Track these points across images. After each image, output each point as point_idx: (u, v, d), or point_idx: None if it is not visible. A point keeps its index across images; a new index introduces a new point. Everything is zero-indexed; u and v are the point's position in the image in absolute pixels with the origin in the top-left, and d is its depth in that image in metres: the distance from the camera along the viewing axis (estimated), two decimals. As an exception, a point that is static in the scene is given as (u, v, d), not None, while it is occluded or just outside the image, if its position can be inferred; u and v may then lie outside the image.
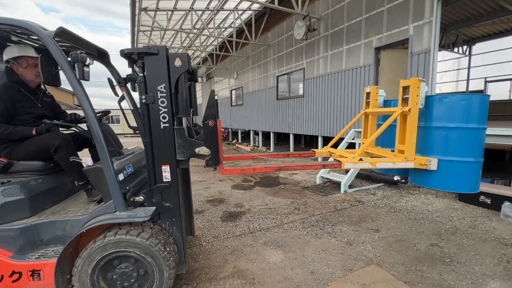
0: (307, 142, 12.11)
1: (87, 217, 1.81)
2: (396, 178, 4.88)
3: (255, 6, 9.85)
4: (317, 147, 8.11)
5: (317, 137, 8.37)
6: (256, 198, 4.49)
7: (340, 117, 7.28)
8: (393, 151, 2.94)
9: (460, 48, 12.02)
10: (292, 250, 2.75)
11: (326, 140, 8.12)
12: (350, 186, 4.91)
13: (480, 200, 3.87)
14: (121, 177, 1.84)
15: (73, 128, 2.22)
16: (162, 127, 1.82)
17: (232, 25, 11.48)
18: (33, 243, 1.82)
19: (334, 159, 2.77)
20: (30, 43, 2.21)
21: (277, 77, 10.20)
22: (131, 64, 1.91)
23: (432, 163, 2.75)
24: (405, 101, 2.84)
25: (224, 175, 6.23)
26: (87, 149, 2.44)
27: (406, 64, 5.50)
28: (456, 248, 2.74)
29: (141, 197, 1.84)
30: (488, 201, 3.79)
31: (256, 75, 12.00)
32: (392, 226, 3.29)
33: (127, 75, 2.24)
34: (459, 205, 3.97)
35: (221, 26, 12.13)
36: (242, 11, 10.49)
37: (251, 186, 5.30)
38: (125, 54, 1.82)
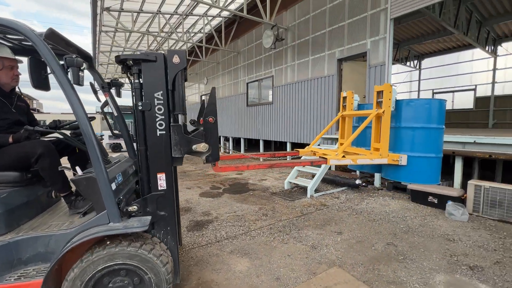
0: (277, 147, 12.35)
1: (76, 230, 1.69)
2: (357, 182, 5.18)
3: (225, 13, 9.92)
4: (286, 153, 8.29)
5: (286, 143, 8.58)
6: (224, 206, 4.43)
7: (307, 124, 7.56)
8: (368, 149, 3.30)
9: (412, 62, 13.33)
10: (258, 257, 2.74)
11: (295, 146, 8.36)
12: (316, 191, 5.09)
13: (429, 200, 4.27)
14: (113, 186, 1.75)
15: (56, 135, 2.06)
16: (158, 134, 1.82)
17: (202, 31, 11.39)
18: (11, 262, 1.65)
19: (320, 157, 3.00)
20: (5, 43, 2.02)
21: (247, 83, 10.31)
22: (126, 70, 1.88)
23: (403, 159, 3.17)
24: (379, 104, 3.22)
25: (192, 183, 6.07)
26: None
27: (365, 75, 5.93)
28: (409, 246, 2.98)
29: (135, 206, 1.78)
30: (436, 201, 4.20)
31: (226, 81, 12.00)
32: (354, 228, 3.47)
33: (111, 80, 2.18)
34: (411, 206, 4.33)
35: (190, 31, 11.97)
36: (211, 17, 10.49)
37: (219, 193, 5.22)
38: (120, 60, 1.78)
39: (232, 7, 9.53)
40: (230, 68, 11.58)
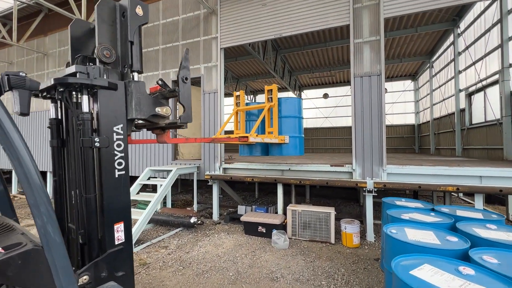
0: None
1: None
2: (193, 220, 4.48)
3: (19, -5, 7.00)
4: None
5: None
6: None
7: (140, 154, 6.26)
8: (263, 134, 4.78)
9: (249, 96, 15.43)
10: None
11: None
12: (139, 242, 3.89)
13: (259, 230, 4.22)
14: None
15: None
16: (117, 176, 1.52)
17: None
18: None
19: (240, 136, 3.63)
20: None
21: (59, 97, 7.61)
22: (58, 95, 1.46)
23: (287, 139, 4.64)
24: (269, 100, 4.73)
25: None
26: None
27: (201, 100, 5.63)
28: (234, 305, 2.45)
29: (86, 276, 1.34)
30: (264, 230, 4.20)
31: (24, 91, 8.40)
32: (174, 296, 2.59)
33: None
34: (244, 239, 4.11)
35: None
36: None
37: None
38: (67, 83, 1.39)
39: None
40: (32, 74, 8.27)
